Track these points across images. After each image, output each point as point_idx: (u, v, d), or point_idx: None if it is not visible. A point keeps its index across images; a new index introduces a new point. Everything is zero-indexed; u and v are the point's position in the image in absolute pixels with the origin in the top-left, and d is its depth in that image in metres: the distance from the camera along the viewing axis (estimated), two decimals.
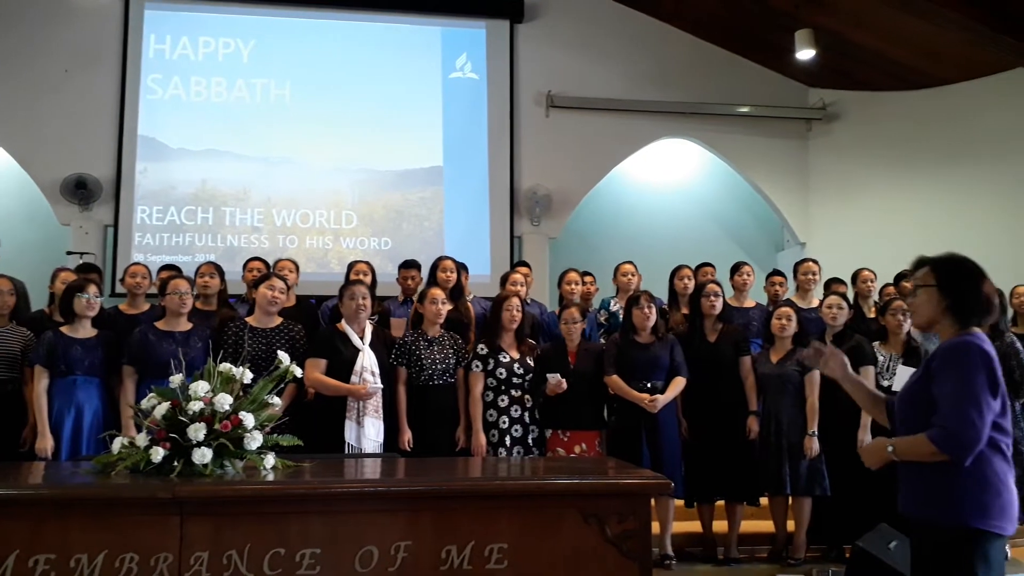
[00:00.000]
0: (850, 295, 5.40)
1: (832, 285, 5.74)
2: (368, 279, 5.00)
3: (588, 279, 5.94)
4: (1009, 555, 4.69)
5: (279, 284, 4.30)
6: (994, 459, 2.18)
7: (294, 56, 8.25)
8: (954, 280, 2.33)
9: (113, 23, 7.95)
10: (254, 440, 2.47)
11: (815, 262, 5.75)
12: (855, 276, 5.69)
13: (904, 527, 2.37)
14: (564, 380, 4.30)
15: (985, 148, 8.03)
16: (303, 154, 8.13)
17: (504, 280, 5.32)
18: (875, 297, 5.71)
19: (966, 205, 8.04)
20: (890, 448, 2.25)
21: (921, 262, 2.41)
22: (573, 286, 5.43)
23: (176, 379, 2.55)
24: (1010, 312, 5.28)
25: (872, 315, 5.35)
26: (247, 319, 4.30)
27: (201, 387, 2.50)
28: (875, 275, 5.75)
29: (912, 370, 4.44)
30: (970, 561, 2.12)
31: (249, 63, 8.18)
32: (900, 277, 5.64)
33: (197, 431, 2.39)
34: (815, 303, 5.46)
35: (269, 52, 8.22)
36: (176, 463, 2.37)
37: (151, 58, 7.97)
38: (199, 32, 8.11)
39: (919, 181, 8.42)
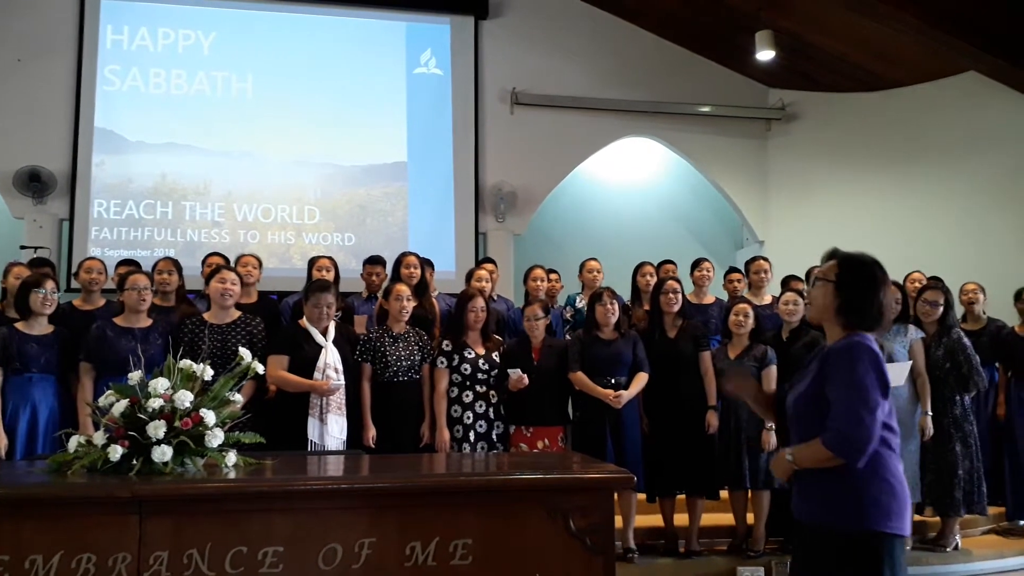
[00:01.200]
0: (806, 292, 5.50)
1: (789, 282, 5.84)
2: (331, 275, 4.97)
3: (554, 276, 5.97)
4: (959, 544, 4.84)
5: (230, 276, 4.23)
6: (888, 458, 2.18)
7: (256, 49, 8.14)
8: (851, 282, 2.28)
9: (68, 12, 7.76)
10: (215, 437, 2.44)
11: (766, 260, 5.87)
12: (809, 273, 5.80)
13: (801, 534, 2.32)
14: (525, 376, 4.33)
15: (938, 149, 8.24)
16: (265, 148, 8.04)
17: (469, 276, 5.33)
18: None
19: (920, 204, 8.24)
20: (789, 457, 2.23)
21: (831, 255, 2.36)
22: (539, 283, 5.46)
23: (135, 376, 2.51)
24: (960, 309, 5.42)
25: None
26: (204, 315, 4.24)
27: (161, 384, 2.46)
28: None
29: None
30: (877, 566, 2.10)
31: (210, 56, 8.05)
32: (787, 280, 5.75)
33: (157, 429, 2.36)
34: (768, 300, 5.57)
35: (230, 45, 8.10)
36: (135, 461, 2.33)
37: (108, 49, 7.81)
38: (158, 23, 7.96)
39: (875, 181, 8.61)
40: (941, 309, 4.88)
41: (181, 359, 2.58)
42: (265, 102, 8.08)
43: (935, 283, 5.09)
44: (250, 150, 8.01)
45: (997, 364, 5.46)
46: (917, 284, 5.46)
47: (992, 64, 7.32)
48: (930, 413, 4.71)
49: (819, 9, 7.62)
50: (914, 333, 4.80)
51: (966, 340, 4.86)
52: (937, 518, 4.86)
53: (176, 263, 4.85)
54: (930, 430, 4.68)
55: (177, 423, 2.40)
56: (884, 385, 2.18)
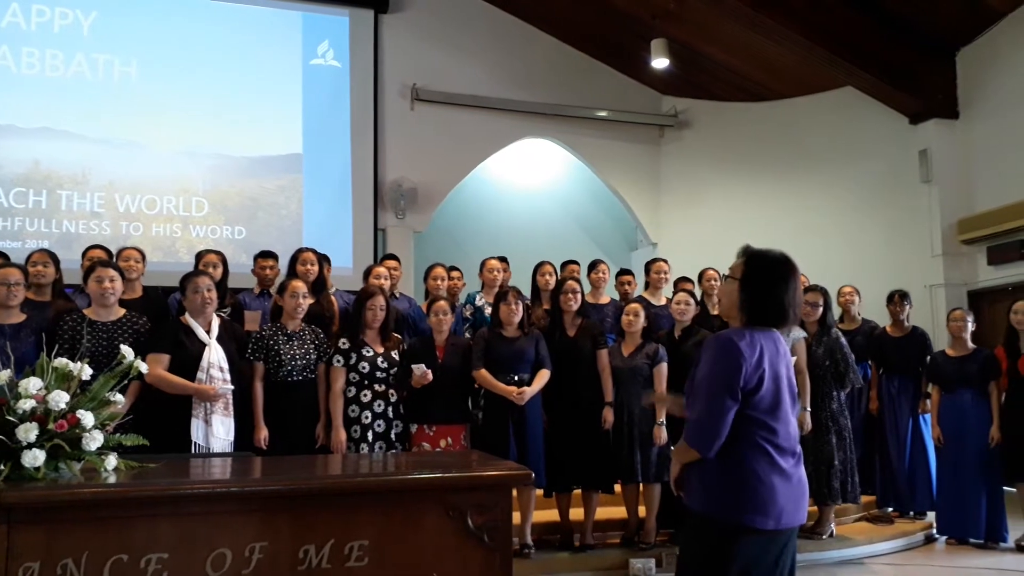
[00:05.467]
0: (697, 292, 5.71)
1: (680, 283, 6.05)
2: (218, 271, 4.77)
3: (455, 274, 5.96)
4: (834, 531, 5.13)
5: (109, 273, 3.96)
6: (752, 456, 2.20)
7: (141, 32, 7.75)
8: (753, 279, 2.33)
9: None
10: (93, 440, 2.30)
11: (665, 262, 6.05)
12: (701, 275, 6.03)
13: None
14: (429, 372, 4.30)
15: (817, 158, 8.74)
16: (150, 137, 7.67)
17: (368, 273, 5.22)
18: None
19: (802, 210, 8.71)
20: (670, 454, 2.37)
21: (742, 252, 2.40)
22: (439, 281, 5.43)
23: (3, 375, 2.34)
24: (837, 311, 5.74)
25: (716, 311, 5.68)
26: (85, 311, 3.97)
27: (33, 384, 2.30)
28: (719, 274, 6.12)
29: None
30: (724, 554, 2.16)
31: (90, 37, 7.61)
32: (678, 281, 6.03)
33: (28, 432, 2.20)
34: (664, 300, 5.75)
35: (113, 26, 7.69)
36: (3, 467, 2.17)
37: None
38: None
39: (760, 186, 9.04)
40: (821, 310, 5.17)
41: (58, 357, 2.42)
42: (151, 88, 7.70)
43: (814, 286, 5.37)
44: (134, 138, 7.63)
45: (870, 362, 5.83)
46: None
47: (867, 80, 7.82)
48: (808, 408, 4.97)
49: (709, 20, 7.93)
50: (797, 332, 5.05)
51: (843, 340, 5.17)
52: (814, 507, 5.13)
53: (52, 255, 4.53)
54: (808, 425, 4.93)
55: (51, 425, 2.25)
56: (739, 381, 2.19)
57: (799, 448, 2.30)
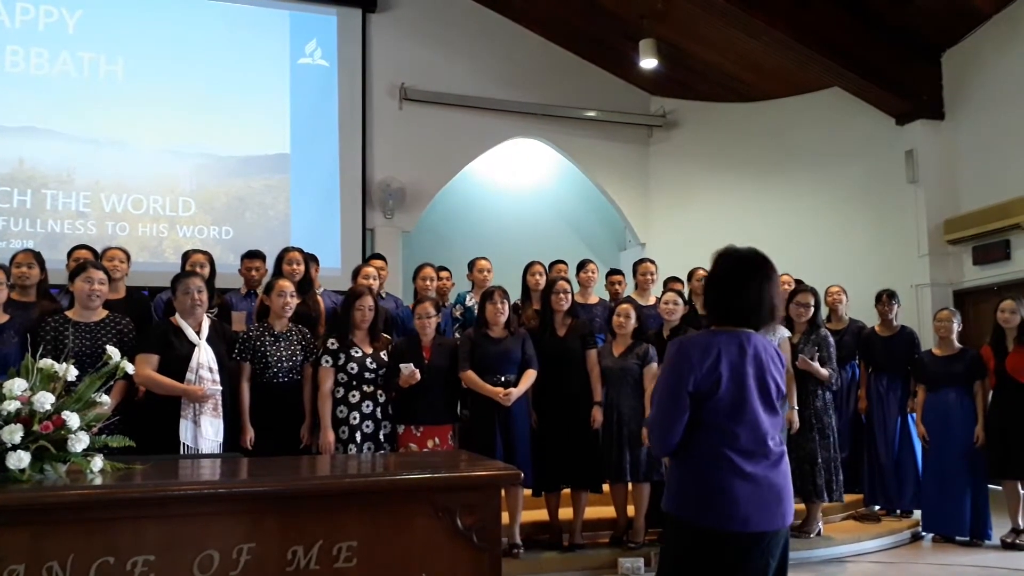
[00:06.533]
0: (686, 292, 5.73)
1: (669, 283, 6.06)
2: (206, 271, 4.74)
3: (444, 274, 5.96)
4: (821, 530, 5.16)
5: (98, 275, 3.93)
6: (708, 460, 2.16)
7: (128, 30, 7.70)
8: (718, 278, 2.28)
9: None
10: (79, 442, 2.28)
11: (652, 262, 6.07)
12: (690, 275, 6.04)
13: None
14: (417, 371, 4.29)
15: (805, 159, 8.78)
16: (136, 136, 7.61)
17: (356, 273, 5.21)
18: None
19: (789, 210, 8.75)
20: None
21: (717, 252, 2.34)
22: (428, 281, 5.42)
23: None
24: (825, 310, 5.77)
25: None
26: (68, 313, 3.93)
27: (17, 385, 2.27)
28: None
29: None
30: (694, 553, 2.16)
31: (76, 35, 7.55)
32: (667, 281, 6.07)
33: (12, 433, 2.18)
34: (652, 300, 5.76)
35: (99, 24, 7.63)
36: None
37: None
38: None
39: (748, 187, 9.07)
40: (812, 311, 5.19)
41: (42, 359, 2.39)
42: (137, 87, 7.65)
43: (805, 286, 5.39)
44: (120, 137, 7.57)
45: (859, 361, 5.86)
46: (786, 287, 5.76)
47: (853, 81, 7.86)
48: (796, 407, 4.98)
49: (698, 21, 7.95)
50: (782, 332, 5.07)
51: (831, 339, 5.19)
52: (801, 506, 5.15)
53: (37, 255, 4.49)
54: (796, 423, 4.95)
55: (36, 427, 2.23)
56: (679, 388, 2.17)
57: (777, 449, 2.21)
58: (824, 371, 4.99)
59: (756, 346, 2.23)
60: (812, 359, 4.99)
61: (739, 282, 2.23)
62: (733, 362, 2.18)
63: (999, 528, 5.21)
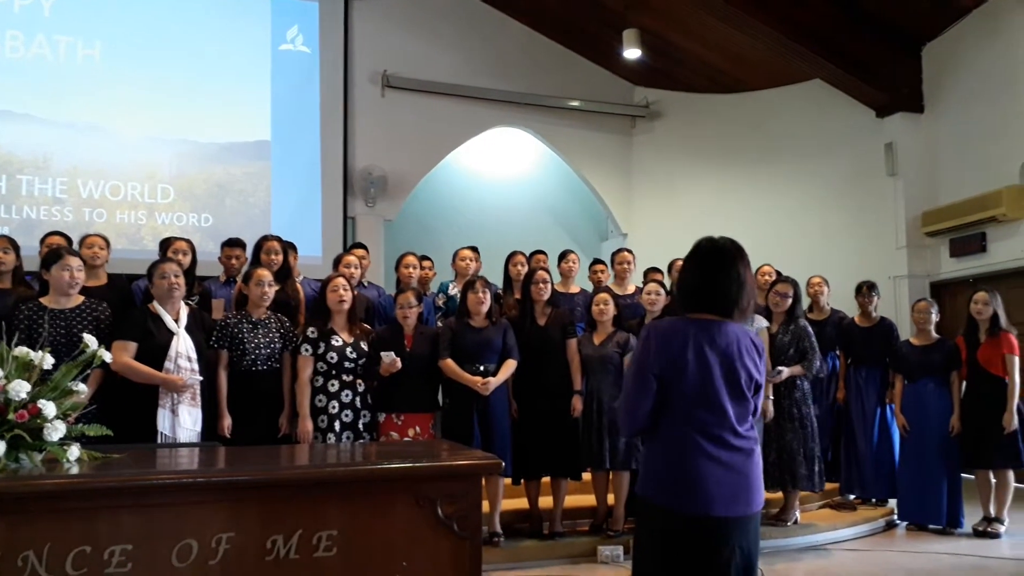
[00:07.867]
0: (667, 283, 5.75)
1: (650, 273, 6.09)
2: (187, 259, 4.69)
3: (426, 263, 5.94)
4: (798, 518, 5.22)
5: (75, 262, 3.88)
6: (674, 443, 2.19)
7: (106, 13, 7.58)
8: (687, 267, 2.33)
9: None
10: (55, 430, 2.26)
11: (630, 251, 6.09)
12: (671, 265, 6.07)
13: None
14: (398, 359, 4.28)
15: (786, 150, 8.83)
16: (114, 121, 7.51)
17: (337, 262, 5.19)
18: None
19: (771, 201, 8.80)
20: None
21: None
22: (411, 270, 5.40)
23: None
24: (805, 301, 5.81)
25: None
26: (42, 300, 3.88)
27: None
28: None
29: None
30: (644, 529, 2.28)
31: (51, 17, 7.42)
32: (648, 271, 6.13)
33: None
34: (631, 290, 5.78)
35: (75, 7, 7.50)
36: None
37: None
38: None
39: (730, 178, 9.11)
40: (790, 301, 5.23)
41: (17, 346, 2.36)
42: (115, 71, 7.54)
43: (784, 277, 5.43)
44: (97, 122, 7.46)
45: (838, 352, 5.91)
46: (767, 277, 5.81)
47: (834, 73, 7.90)
48: (771, 397, 5.03)
49: (681, 11, 7.95)
50: (760, 322, 5.11)
51: (810, 329, 5.23)
52: (779, 495, 5.20)
53: (12, 241, 4.43)
54: (771, 413, 5.00)
55: (11, 415, 2.20)
56: (643, 371, 2.20)
57: (750, 435, 2.23)
58: (799, 368, 5.05)
59: (728, 335, 2.24)
60: (787, 353, 5.04)
61: (711, 271, 2.25)
62: (700, 349, 2.20)
63: (971, 517, 5.29)
